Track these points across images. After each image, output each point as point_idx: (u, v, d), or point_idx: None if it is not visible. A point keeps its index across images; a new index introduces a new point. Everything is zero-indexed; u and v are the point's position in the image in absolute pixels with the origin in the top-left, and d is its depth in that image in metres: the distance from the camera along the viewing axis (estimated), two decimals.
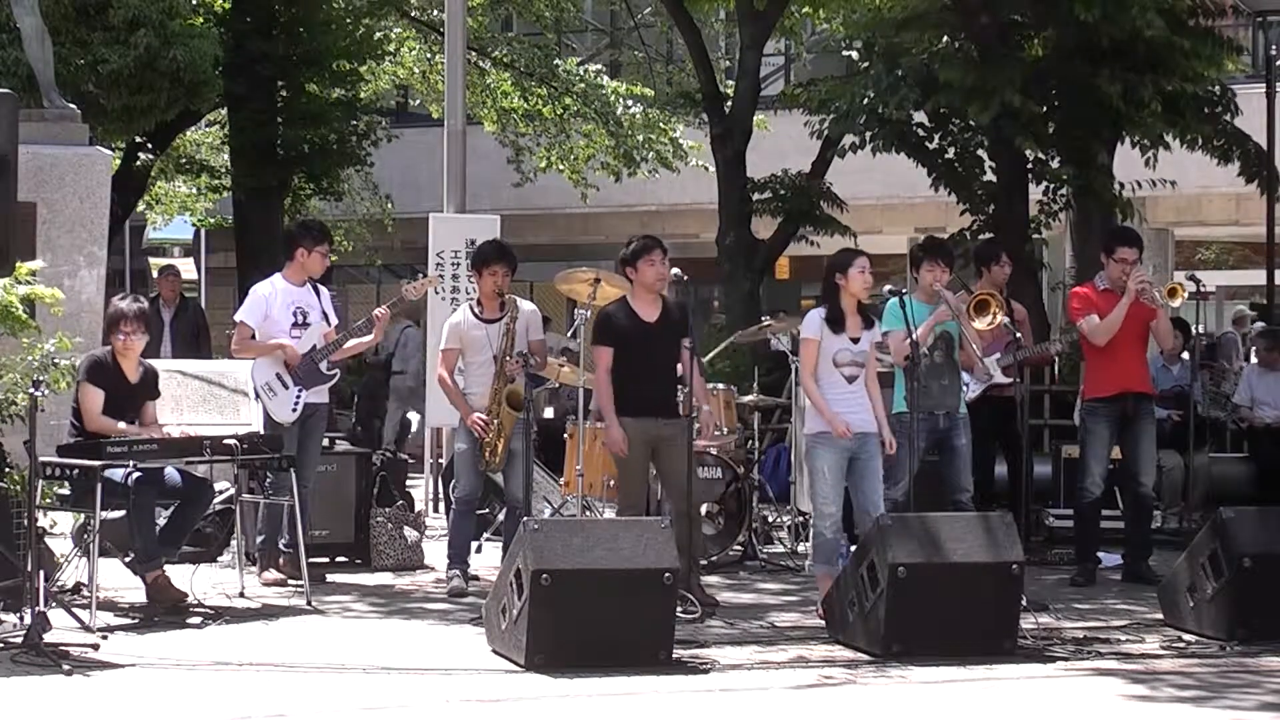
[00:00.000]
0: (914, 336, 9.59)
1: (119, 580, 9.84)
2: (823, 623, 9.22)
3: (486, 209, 18.62)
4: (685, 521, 9.67)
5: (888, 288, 9.74)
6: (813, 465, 9.79)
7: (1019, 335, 11.22)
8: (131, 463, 9.16)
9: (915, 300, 10.24)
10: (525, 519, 8.64)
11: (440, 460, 13.72)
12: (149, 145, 21.15)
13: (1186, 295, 11.04)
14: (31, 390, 8.48)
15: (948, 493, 10.47)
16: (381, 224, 28.06)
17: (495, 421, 10.33)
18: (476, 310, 10.57)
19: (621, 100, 22.90)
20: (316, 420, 10.86)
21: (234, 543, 10.68)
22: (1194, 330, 13.86)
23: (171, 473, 9.68)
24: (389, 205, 27.26)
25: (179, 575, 9.78)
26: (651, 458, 9.97)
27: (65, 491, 9.48)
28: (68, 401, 9.82)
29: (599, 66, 24.51)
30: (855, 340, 9.72)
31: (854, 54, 16.67)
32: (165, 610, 9.39)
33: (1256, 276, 23.98)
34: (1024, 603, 8.93)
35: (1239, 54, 16.57)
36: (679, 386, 9.84)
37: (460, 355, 10.55)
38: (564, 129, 23.74)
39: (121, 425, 9.67)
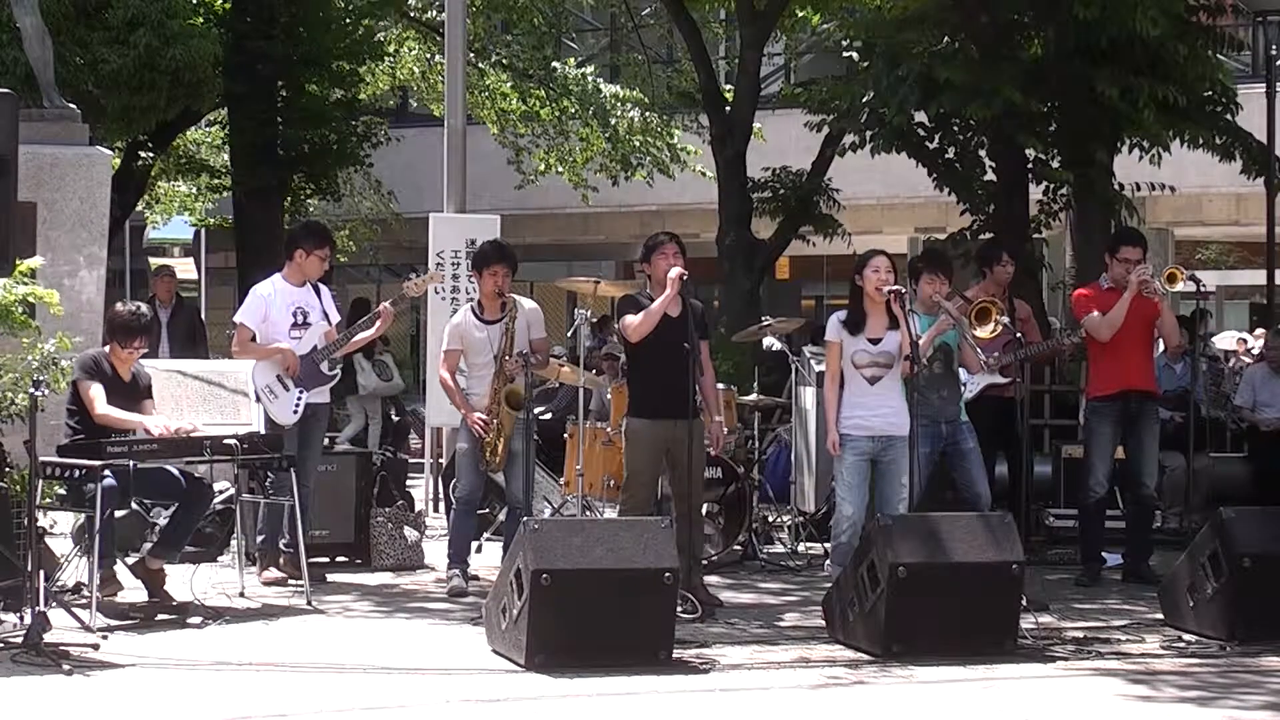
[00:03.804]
0: (913, 337, 9.58)
1: (119, 580, 9.83)
2: (823, 622, 9.22)
3: (487, 209, 18.62)
4: (687, 521, 9.67)
5: (888, 288, 9.72)
6: (836, 465, 9.80)
7: (1020, 334, 11.21)
8: (107, 470, 9.06)
9: (915, 308, 10.25)
10: (525, 519, 8.62)
11: (440, 460, 13.73)
12: (149, 145, 21.17)
13: (1186, 279, 11.06)
14: (31, 390, 8.47)
15: (965, 500, 10.46)
16: (386, 222, 28.09)
17: (495, 421, 10.32)
18: (477, 311, 10.55)
19: (620, 105, 22.90)
20: (317, 420, 10.86)
21: (234, 543, 10.68)
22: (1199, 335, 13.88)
23: (169, 472, 9.64)
24: (392, 203, 27.28)
25: (179, 575, 9.80)
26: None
27: (65, 491, 9.48)
28: (67, 402, 9.78)
29: (593, 69, 24.49)
30: (876, 341, 9.72)
31: (854, 54, 16.63)
32: (161, 609, 9.39)
33: (1256, 276, 23.99)
34: (1024, 603, 8.93)
35: (1239, 50, 16.52)
36: (696, 386, 9.79)
37: (462, 356, 10.53)
38: (562, 130, 23.75)
39: (127, 415, 9.60)
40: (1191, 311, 15.58)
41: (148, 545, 9.95)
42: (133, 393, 9.85)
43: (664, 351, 9.68)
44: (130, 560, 9.77)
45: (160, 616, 9.35)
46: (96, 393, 9.61)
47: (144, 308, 10.07)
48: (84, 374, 9.66)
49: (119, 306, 10.10)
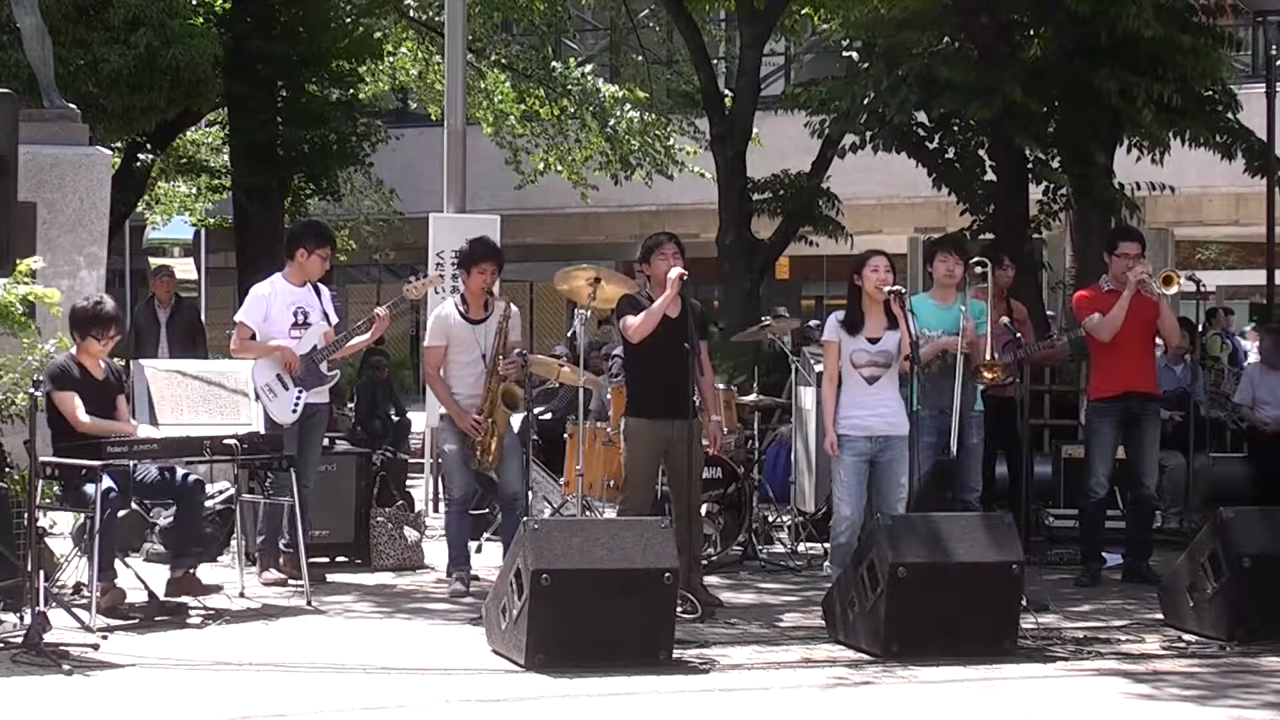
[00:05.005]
0: (913, 336, 9.58)
1: (119, 580, 9.83)
2: (823, 622, 9.22)
3: (486, 209, 18.63)
4: (686, 521, 9.67)
5: (888, 288, 9.71)
6: (834, 466, 9.80)
7: (1019, 335, 11.20)
8: (105, 477, 9.03)
9: (927, 298, 10.24)
10: (525, 519, 8.62)
11: (440, 460, 13.71)
12: (149, 145, 21.18)
13: (1182, 283, 11.06)
14: (31, 390, 8.47)
15: (956, 490, 10.46)
16: (389, 222, 28.10)
17: (488, 420, 10.31)
18: (462, 309, 10.52)
19: (619, 105, 22.91)
20: (317, 420, 10.85)
21: (234, 543, 10.68)
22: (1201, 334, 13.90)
23: (156, 474, 9.61)
24: (394, 201, 27.29)
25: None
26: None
27: (63, 492, 9.45)
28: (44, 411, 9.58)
29: (591, 68, 24.49)
30: (874, 340, 9.71)
31: (854, 54, 16.65)
32: (160, 609, 9.38)
33: (1256, 276, 24.00)
34: (1024, 603, 8.93)
35: (1238, 49, 16.51)
36: (695, 386, 9.78)
37: (445, 353, 10.48)
38: (561, 130, 23.76)
39: (109, 424, 9.52)
40: (1209, 309, 15.59)
41: (154, 547, 9.88)
42: (105, 392, 9.70)
43: (663, 352, 9.68)
44: (130, 560, 9.76)
45: (160, 616, 9.35)
46: (75, 404, 9.46)
47: (106, 299, 9.90)
48: (54, 385, 9.41)
49: (78, 303, 9.89)
